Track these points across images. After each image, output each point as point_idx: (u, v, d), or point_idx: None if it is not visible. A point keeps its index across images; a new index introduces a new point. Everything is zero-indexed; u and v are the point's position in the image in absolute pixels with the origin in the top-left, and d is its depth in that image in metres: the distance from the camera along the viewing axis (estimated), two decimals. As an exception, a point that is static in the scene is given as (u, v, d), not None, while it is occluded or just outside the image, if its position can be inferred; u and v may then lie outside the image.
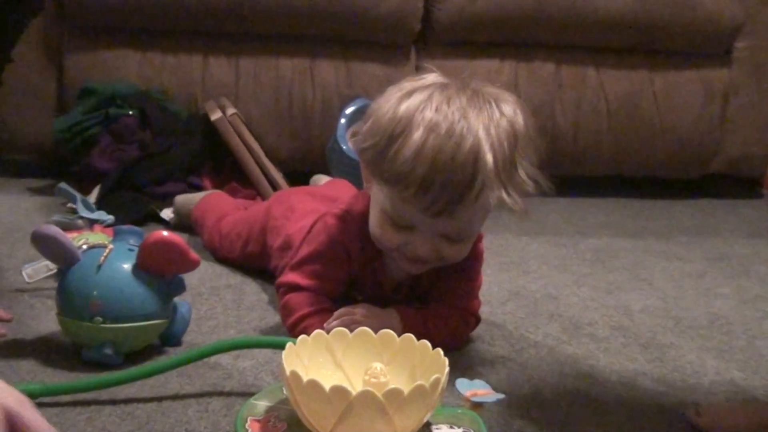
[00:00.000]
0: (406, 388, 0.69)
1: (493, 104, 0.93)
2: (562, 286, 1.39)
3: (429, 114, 0.90)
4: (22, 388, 0.82)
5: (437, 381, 0.71)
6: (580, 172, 2.22)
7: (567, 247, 1.66)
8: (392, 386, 0.69)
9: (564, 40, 2.12)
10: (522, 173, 0.94)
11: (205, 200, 1.53)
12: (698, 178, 2.34)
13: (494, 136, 0.90)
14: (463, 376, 0.95)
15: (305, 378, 0.70)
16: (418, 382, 0.70)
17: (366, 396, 0.68)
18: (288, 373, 0.71)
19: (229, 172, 1.81)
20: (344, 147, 1.81)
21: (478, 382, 0.84)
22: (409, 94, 0.93)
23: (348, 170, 1.75)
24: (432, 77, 0.97)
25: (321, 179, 1.67)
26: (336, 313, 0.98)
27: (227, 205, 1.51)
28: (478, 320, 1.09)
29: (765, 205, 2.31)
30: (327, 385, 0.69)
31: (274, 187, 1.72)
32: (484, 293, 1.27)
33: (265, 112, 2.01)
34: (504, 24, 2.04)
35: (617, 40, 2.14)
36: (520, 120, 0.94)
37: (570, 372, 1.01)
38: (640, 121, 2.18)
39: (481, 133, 0.90)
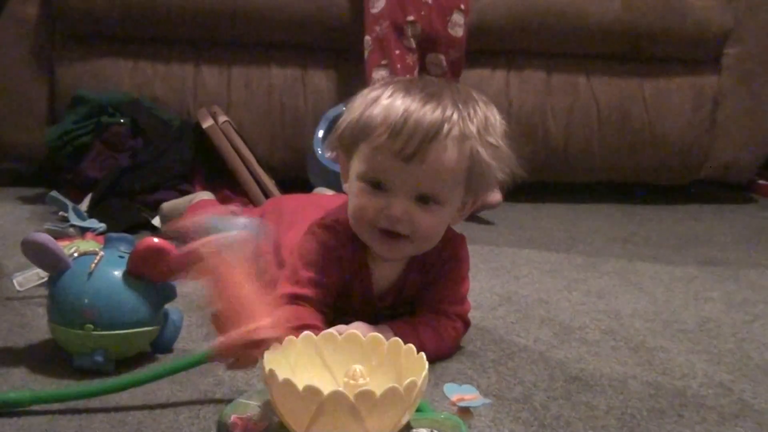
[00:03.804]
0: (379, 390, 0.69)
1: (466, 92, 1.00)
2: (553, 290, 1.39)
3: (401, 86, 0.99)
4: (12, 396, 0.82)
5: (413, 384, 0.72)
6: (571, 178, 2.23)
7: (558, 252, 1.66)
8: (364, 388, 0.69)
9: (555, 48, 2.14)
10: (494, 139, 0.98)
11: (193, 209, 1.53)
12: (688, 184, 2.36)
13: (462, 102, 0.97)
14: (453, 380, 0.95)
15: (281, 377, 0.70)
16: (391, 385, 0.70)
17: (337, 396, 0.68)
18: (267, 371, 0.72)
19: (220, 180, 1.81)
20: (319, 151, 1.82)
21: (466, 387, 0.84)
22: (381, 86, 1.01)
23: (321, 175, 1.77)
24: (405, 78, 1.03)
25: (324, 192, 1.67)
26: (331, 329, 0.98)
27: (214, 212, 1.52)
28: (467, 325, 1.10)
29: (754, 210, 2.33)
30: (301, 385, 0.69)
31: (266, 194, 1.73)
32: (475, 298, 1.28)
33: (257, 120, 2.02)
34: (495, 32, 2.06)
35: (608, 48, 2.16)
36: (488, 108, 1.00)
37: (560, 376, 1.02)
38: (630, 127, 2.19)
39: (446, 95, 0.97)
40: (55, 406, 0.84)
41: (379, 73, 1.84)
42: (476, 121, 0.97)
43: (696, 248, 1.78)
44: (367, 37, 1.88)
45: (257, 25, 1.98)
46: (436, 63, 1.90)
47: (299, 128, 2.03)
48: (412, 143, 0.94)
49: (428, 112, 0.94)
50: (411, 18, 1.84)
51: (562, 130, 2.15)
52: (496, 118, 1.01)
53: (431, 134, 0.94)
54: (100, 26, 1.94)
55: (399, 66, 1.83)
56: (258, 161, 1.80)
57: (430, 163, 0.95)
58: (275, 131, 2.03)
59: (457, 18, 1.87)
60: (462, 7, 1.88)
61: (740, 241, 1.90)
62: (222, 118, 1.81)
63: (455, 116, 0.95)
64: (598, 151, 2.19)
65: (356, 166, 1.00)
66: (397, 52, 1.84)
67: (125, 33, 1.97)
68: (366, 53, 1.89)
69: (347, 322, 1.00)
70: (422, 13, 1.85)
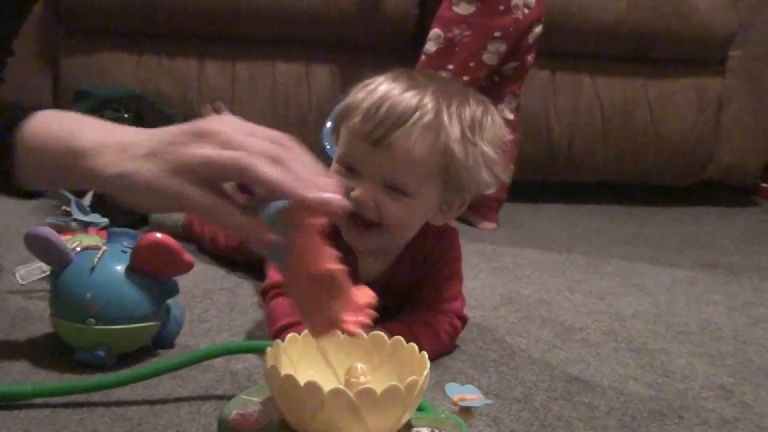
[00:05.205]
0: (380, 389, 0.69)
1: (458, 90, 1.00)
2: (554, 291, 1.39)
3: (395, 74, 1.00)
4: (14, 389, 0.82)
5: (413, 383, 0.72)
6: (574, 178, 2.23)
7: (560, 253, 1.66)
8: (365, 386, 0.69)
9: (559, 48, 2.13)
10: (474, 137, 0.97)
11: None
12: (691, 186, 2.36)
13: (447, 97, 0.97)
14: (455, 379, 0.95)
15: (283, 373, 0.70)
16: (392, 383, 0.70)
17: (338, 394, 0.69)
18: (269, 367, 0.72)
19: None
20: (327, 146, 1.82)
21: (468, 387, 0.85)
22: (381, 75, 1.02)
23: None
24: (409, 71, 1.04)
25: None
26: None
27: None
28: (464, 320, 1.09)
29: (757, 213, 2.32)
30: (302, 381, 0.69)
31: (269, 191, 1.72)
32: (476, 298, 1.28)
33: (261, 116, 2.02)
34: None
35: (612, 48, 2.15)
36: (480, 110, 0.99)
37: (561, 376, 1.02)
38: (634, 128, 2.19)
39: (432, 88, 0.97)
40: (57, 399, 0.84)
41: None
42: (459, 120, 0.96)
43: (698, 251, 1.78)
44: (440, 32, 1.74)
45: (261, 20, 1.98)
46: (508, 68, 1.82)
47: (303, 124, 2.02)
48: (380, 128, 0.95)
49: (404, 100, 0.95)
50: (498, 34, 1.73)
51: (565, 130, 2.15)
52: (489, 124, 0.99)
53: (401, 120, 0.94)
54: (104, 21, 1.94)
55: (467, 78, 1.72)
56: (261, 158, 1.80)
57: (396, 150, 0.95)
58: (279, 127, 2.00)
59: (537, 29, 1.80)
60: (542, 19, 1.81)
61: (743, 243, 1.90)
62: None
63: (430, 106, 0.95)
64: (601, 151, 2.18)
65: (338, 149, 1.02)
66: (472, 64, 1.73)
67: (129, 28, 1.97)
68: (432, 47, 1.75)
69: None
70: (510, 29, 1.74)
